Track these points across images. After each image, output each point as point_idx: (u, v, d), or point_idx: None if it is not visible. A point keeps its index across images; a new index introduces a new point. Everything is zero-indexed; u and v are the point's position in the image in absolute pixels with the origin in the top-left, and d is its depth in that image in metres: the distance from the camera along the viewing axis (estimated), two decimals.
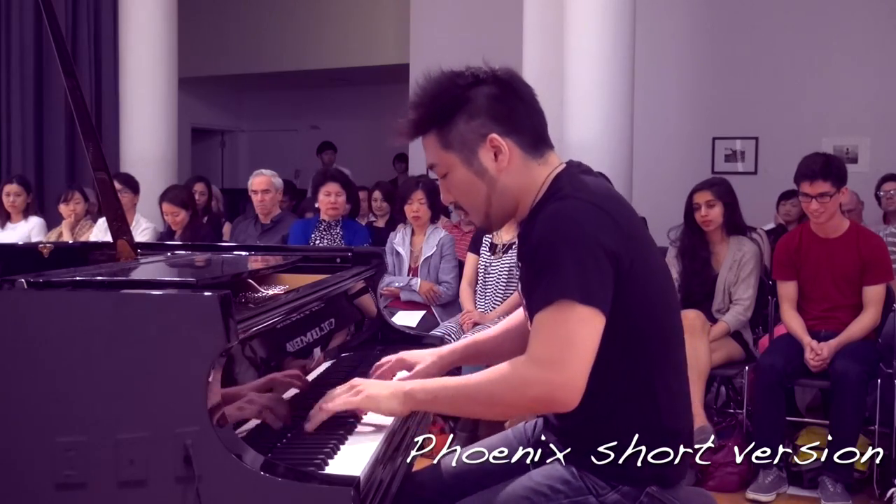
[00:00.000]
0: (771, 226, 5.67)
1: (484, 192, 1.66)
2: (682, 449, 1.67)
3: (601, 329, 1.52)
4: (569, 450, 1.68)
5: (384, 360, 1.98)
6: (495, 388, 1.56)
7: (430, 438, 1.92)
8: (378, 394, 1.63)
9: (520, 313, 1.99)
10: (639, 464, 1.61)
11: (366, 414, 1.76)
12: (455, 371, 2.01)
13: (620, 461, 1.61)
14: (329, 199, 4.77)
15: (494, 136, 1.62)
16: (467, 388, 1.60)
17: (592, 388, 1.54)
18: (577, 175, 1.67)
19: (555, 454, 1.71)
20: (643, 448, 1.62)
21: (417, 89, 1.66)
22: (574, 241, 1.51)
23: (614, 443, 1.62)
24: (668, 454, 1.63)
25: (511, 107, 1.64)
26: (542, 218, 1.57)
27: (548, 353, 1.51)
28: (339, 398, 1.64)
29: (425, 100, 1.65)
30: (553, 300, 1.50)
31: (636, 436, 1.62)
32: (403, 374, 1.97)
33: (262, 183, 5.21)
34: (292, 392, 1.76)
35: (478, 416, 1.72)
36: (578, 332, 1.50)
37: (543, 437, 1.80)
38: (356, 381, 1.68)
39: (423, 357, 1.96)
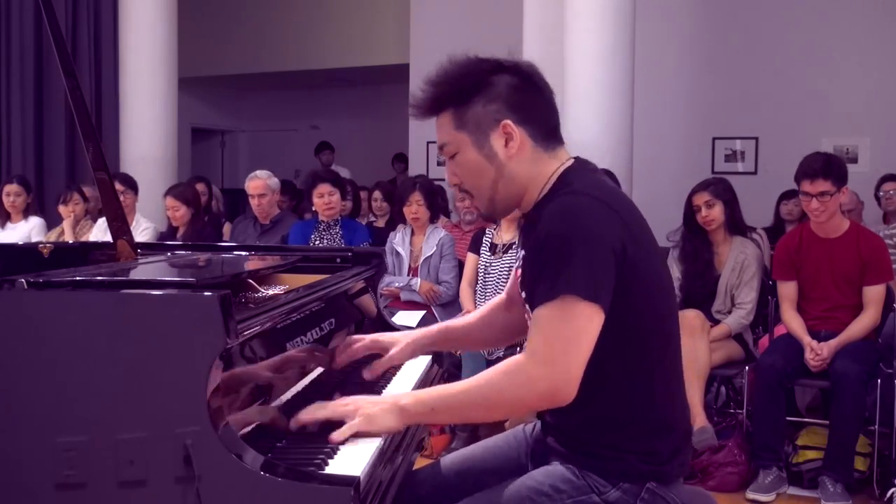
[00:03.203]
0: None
1: (491, 176, 1.67)
2: (679, 446, 1.68)
3: (600, 326, 1.53)
4: (568, 449, 1.68)
5: (356, 337, 1.98)
6: (497, 390, 1.58)
7: (429, 439, 1.92)
8: (372, 413, 1.61)
9: (496, 301, 2.01)
10: (638, 461, 1.62)
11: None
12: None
13: (619, 459, 1.62)
14: (323, 201, 4.76)
15: (508, 122, 1.64)
16: (465, 393, 1.61)
17: (592, 387, 1.56)
18: (586, 172, 1.69)
19: (554, 454, 1.71)
20: (642, 446, 1.63)
21: (440, 69, 1.67)
22: (581, 237, 1.53)
23: (613, 441, 1.63)
24: (666, 451, 1.65)
25: (528, 98, 1.67)
26: (550, 211, 1.58)
27: (550, 349, 1.52)
28: (342, 412, 1.62)
29: (447, 79, 1.66)
30: (557, 295, 1.51)
31: (635, 433, 1.63)
32: (395, 384, 1.96)
33: (258, 187, 5.20)
34: (291, 394, 1.76)
35: (478, 420, 1.73)
36: (580, 329, 1.52)
37: (542, 437, 1.80)
38: (347, 399, 1.65)
39: (397, 340, 1.98)
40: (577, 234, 1.53)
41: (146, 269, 2.07)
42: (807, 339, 3.68)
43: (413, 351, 1.99)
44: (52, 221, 5.93)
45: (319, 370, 1.95)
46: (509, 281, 1.97)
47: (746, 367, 3.92)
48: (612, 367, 1.59)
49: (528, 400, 1.59)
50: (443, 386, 1.74)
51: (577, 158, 1.72)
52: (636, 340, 1.62)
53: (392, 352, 1.96)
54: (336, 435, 1.58)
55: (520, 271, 1.79)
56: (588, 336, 1.52)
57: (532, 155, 1.67)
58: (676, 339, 1.72)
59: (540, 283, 1.55)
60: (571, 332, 1.52)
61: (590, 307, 1.51)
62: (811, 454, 3.68)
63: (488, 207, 1.73)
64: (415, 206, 4.70)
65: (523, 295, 1.72)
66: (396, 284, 4.68)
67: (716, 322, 3.95)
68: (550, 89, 1.71)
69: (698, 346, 3.68)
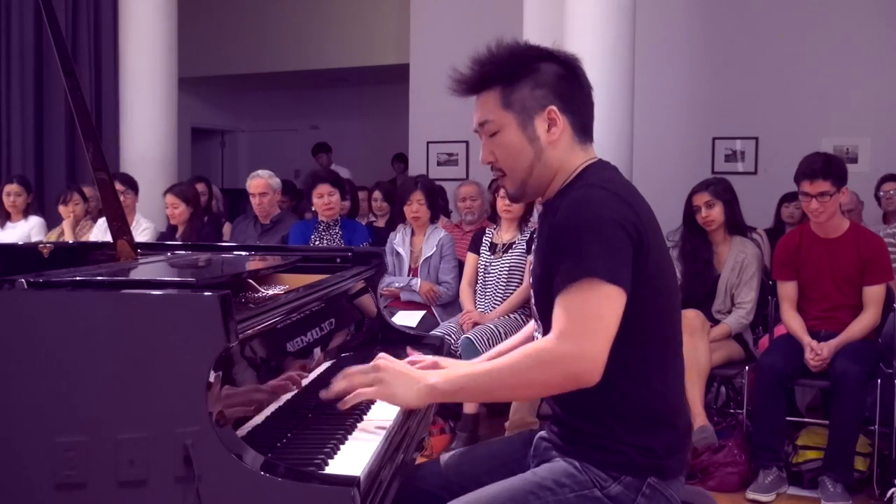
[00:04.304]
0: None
1: (530, 158, 1.71)
2: (680, 442, 1.70)
3: (622, 306, 1.56)
4: (569, 443, 1.69)
5: (418, 357, 1.95)
6: (526, 369, 1.59)
7: (429, 439, 1.92)
8: (393, 383, 1.64)
9: (531, 328, 2.00)
10: (638, 455, 1.63)
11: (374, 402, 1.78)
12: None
13: (620, 452, 1.63)
14: (322, 201, 4.76)
15: (554, 108, 1.69)
16: (498, 372, 1.62)
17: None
18: (606, 171, 1.74)
19: (556, 449, 1.72)
20: (642, 439, 1.64)
21: (487, 51, 1.72)
22: (598, 224, 1.57)
23: (615, 434, 1.65)
24: (666, 446, 1.66)
25: (573, 89, 1.72)
26: (568, 202, 1.63)
27: (577, 327, 1.54)
28: (358, 384, 1.65)
29: (496, 59, 1.71)
30: (579, 278, 1.54)
31: (636, 427, 1.64)
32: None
33: (259, 186, 5.20)
34: (292, 393, 1.76)
35: (503, 400, 1.76)
36: (604, 307, 1.54)
37: (544, 433, 1.81)
38: (381, 362, 1.68)
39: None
40: (594, 222, 1.57)
41: (146, 269, 2.07)
42: (807, 339, 3.68)
43: None
44: (52, 221, 5.93)
45: (326, 365, 1.95)
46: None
47: (746, 367, 3.92)
48: (617, 358, 1.60)
49: (555, 379, 1.59)
50: (470, 365, 1.77)
51: (599, 159, 1.76)
52: (641, 333, 1.63)
53: None
54: (343, 402, 1.64)
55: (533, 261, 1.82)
56: (612, 316, 1.55)
57: (569, 144, 1.72)
58: (679, 336, 1.74)
59: (560, 271, 1.58)
60: (596, 311, 1.54)
61: (612, 288, 1.54)
62: (811, 454, 3.68)
63: (519, 188, 1.76)
64: (415, 206, 4.71)
65: (531, 281, 1.75)
66: (396, 284, 4.68)
67: (716, 322, 3.96)
68: (590, 87, 1.76)
69: (698, 345, 3.68)
